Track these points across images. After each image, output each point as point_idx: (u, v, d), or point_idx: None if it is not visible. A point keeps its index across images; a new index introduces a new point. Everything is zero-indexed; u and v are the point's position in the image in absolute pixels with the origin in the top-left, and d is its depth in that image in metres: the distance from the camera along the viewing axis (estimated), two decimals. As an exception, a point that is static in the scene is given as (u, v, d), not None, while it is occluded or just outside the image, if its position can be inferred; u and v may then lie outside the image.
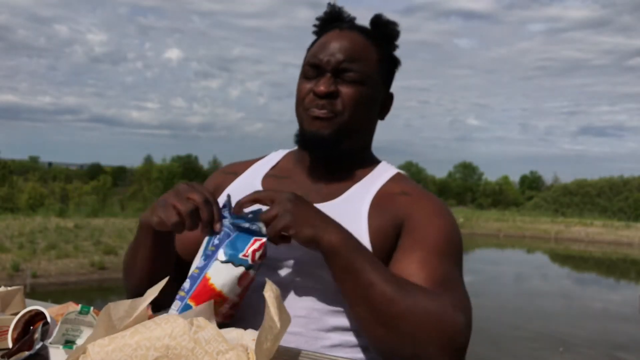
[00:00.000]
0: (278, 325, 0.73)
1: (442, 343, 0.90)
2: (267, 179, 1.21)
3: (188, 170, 51.38)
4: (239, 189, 1.19)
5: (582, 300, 16.19)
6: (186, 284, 0.97)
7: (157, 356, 0.68)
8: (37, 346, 0.81)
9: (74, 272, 16.59)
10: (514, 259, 27.96)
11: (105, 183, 39.55)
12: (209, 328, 0.71)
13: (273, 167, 1.25)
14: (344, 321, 1.04)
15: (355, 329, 1.05)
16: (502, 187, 67.52)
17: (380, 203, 1.10)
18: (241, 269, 0.94)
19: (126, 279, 1.20)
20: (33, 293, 13.48)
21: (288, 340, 0.99)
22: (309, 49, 1.18)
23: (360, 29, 1.16)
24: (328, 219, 0.97)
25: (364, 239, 1.04)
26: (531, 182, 73.76)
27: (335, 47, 1.11)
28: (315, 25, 1.21)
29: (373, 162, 1.22)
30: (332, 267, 0.96)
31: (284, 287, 1.04)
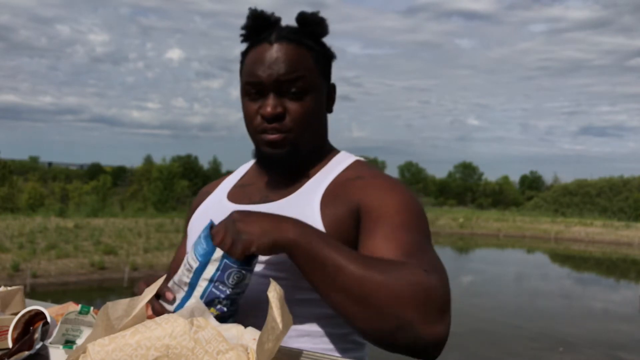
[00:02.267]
0: (280, 326, 0.73)
1: (419, 306, 0.87)
2: (233, 190, 1.26)
3: (188, 170, 51.43)
4: (208, 206, 1.26)
5: (582, 300, 16.21)
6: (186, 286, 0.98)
7: (157, 356, 0.68)
8: (37, 346, 0.81)
9: (74, 272, 16.60)
10: (514, 259, 27.98)
11: (105, 183, 39.58)
12: (209, 328, 0.71)
13: (241, 178, 1.30)
14: (309, 310, 1.06)
15: (319, 317, 1.06)
16: (502, 187, 67.60)
17: (333, 191, 1.10)
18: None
19: None
20: (33, 293, 13.49)
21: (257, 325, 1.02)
22: (242, 61, 1.19)
23: (289, 37, 1.14)
24: (279, 218, 0.96)
25: (319, 227, 1.05)
26: (531, 182, 73.80)
27: (271, 62, 1.11)
28: (241, 35, 1.19)
29: (330, 154, 1.22)
30: (297, 261, 0.95)
31: (256, 280, 1.06)
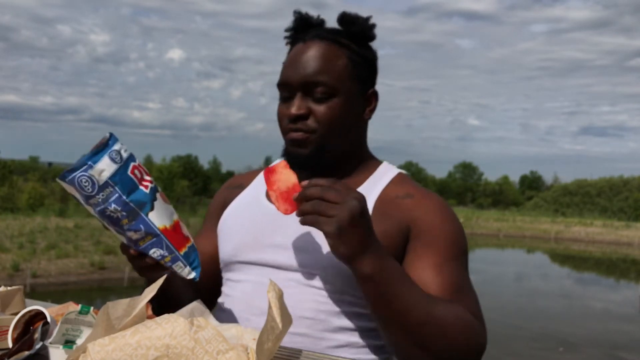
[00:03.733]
0: (280, 325, 0.73)
1: (469, 351, 0.96)
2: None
3: (188, 170, 51.41)
4: (244, 202, 1.22)
5: (582, 300, 16.20)
6: (160, 251, 0.92)
7: (157, 355, 0.68)
8: (37, 346, 0.81)
9: (74, 272, 16.59)
10: (514, 259, 27.96)
11: (106, 183, 39.49)
12: (209, 328, 0.71)
13: None
14: (349, 322, 1.05)
15: (360, 329, 1.06)
16: (502, 187, 67.57)
17: (383, 207, 1.08)
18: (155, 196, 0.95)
19: None
20: (33, 293, 13.48)
21: (294, 341, 1.00)
22: (283, 64, 1.16)
23: (325, 36, 1.12)
24: (369, 245, 0.94)
25: None
26: (531, 182, 73.79)
27: (300, 62, 1.09)
28: (285, 37, 1.18)
29: (373, 163, 1.20)
30: (365, 292, 0.96)
31: (291, 288, 1.04)
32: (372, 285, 0.93)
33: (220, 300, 1.18)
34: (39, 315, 0.92)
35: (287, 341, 0.97)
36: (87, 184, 0.84)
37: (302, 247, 1.07)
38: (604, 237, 36.73)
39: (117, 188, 0.86)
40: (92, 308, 0.91)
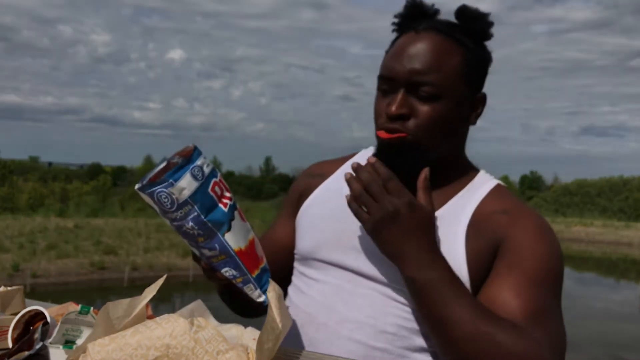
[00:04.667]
0: (280, 326, 0.73)
1: None
2: None
3: (188, 170, 51.24)
4: (326, 193, 1.13)
5: (582, 300, 16.19)
6: (233, 272, 0.89)
7: (157, 355, 0.68)
8: (37, 346, 0.81)
9: (74, 272, 16.60)
10: (514, 258, 27.90)
11: (105, 183, 39.55)
12: (210, 328, 0.71)
13: None
14: (431, 343, 0.98)
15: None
16: (502, 187, 67.40)
17: (478, 223, 1.00)
18: (235, 217, 0.89)
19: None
20: (33, 293, 13.48)
21: (373, 356, 0.96)
22: (386, 52, 1.05)
23: (442, 29, 1.01)
24: (410, 249, 0.91)
25: (461, 261, 0.97)
26: (531, 182, 73.72)
27: (409, 55, 0.98)
28: (393, 24, 1.06)
29: (470, 171, 1.10)
30: (411, 295, 0.94)
31: (374, 299, 0.99)
32: (415, 289, 0.91)
33: (292, 293, 1.10)
34: (39, 315, 0.92)
35: (365, 355, 0.95)
36: (166, 200, 0.82)
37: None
38: (604, 237, 36.73)
39: (196, 207, 0.84)
40: (92, 308, 0.91)
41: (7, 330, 0.90)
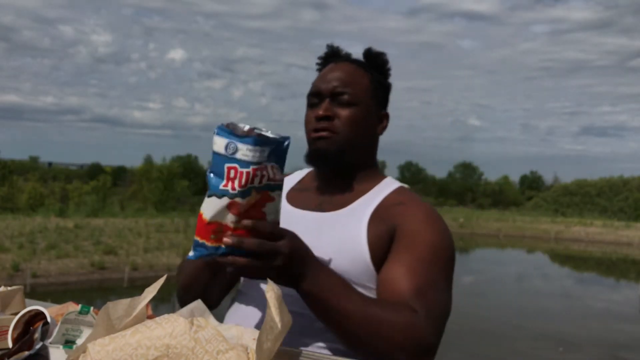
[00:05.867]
0: (279, 325, 0.73)
1: (409, 349, 1.02)
2: (291, 193, 1.39)
3: (188, 170, 51.42)
4: None
5: (582, 300, 16.20)
6: None
7: (157, 355, 0.68)
8: (37, 346, 0.81)
9: (74, 272, 16.59)
10: (514, 259, 27.95)
11: (105, 183, 39.53)
12: (209, 328, 0.71)
13: (299, 182, 1.43)
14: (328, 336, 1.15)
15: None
16: (502, 187, 67.55)
17: (379, 213, 1.22)
18: (225, 200, 0.95)
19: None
20: (33, 293, 13.48)
21: (294, 320, 1.09)
22: (312, 85, 1.36)
23: (352, 60, 1.35)
24: (301, 272, 1.03)
25: (364, 245, 1.18)
26: (531, 182, 73.76)
27: (332, 76, 1.30)
28: (317, 63, 1.40)
29: (378, 177, 1.34)
30: (310, 307, 1.07)
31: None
32: (312, 301, 1.05)
33: (238, 296, 1.32)
34: (39, 315, 0.92)
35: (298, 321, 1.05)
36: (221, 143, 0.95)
37: (311, 244, 1.15)
38: (604, 237, 36.71)
39: (214, 159, 0.96)
40: (92, 308, 0.91)
41: (7, 330, 0.90)
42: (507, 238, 36.65)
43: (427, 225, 1.19)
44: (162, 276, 0.89)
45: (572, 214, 50.57)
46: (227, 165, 0.94)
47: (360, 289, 1.13)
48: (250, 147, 0.93)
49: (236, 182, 0.94)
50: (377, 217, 1.21)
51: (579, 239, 36.12)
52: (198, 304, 0.92)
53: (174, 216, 29.20)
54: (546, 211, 52.95)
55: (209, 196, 0.95)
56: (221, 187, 0.94)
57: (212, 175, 0.96)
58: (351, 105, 1.28)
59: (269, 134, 0.95)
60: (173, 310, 0.93)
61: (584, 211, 51.52)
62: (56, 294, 13.98)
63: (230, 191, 0.94)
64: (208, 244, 0.96)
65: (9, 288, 1.06)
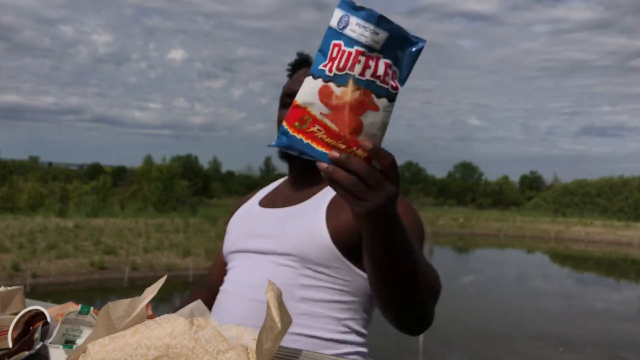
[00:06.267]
0: (279, 325, 0.73)
1: (434, 301, 1.07)
2: (265, 197, 1.50)
3: (188, 170, 51.45)
4: (243, 211, 1.52)
5: (582, 300, 16.20)
6: None
7: (157, 355, 0.68)
8: (37, 346, 0.81)
9: (74, 272, 16.60)
10: (514, 259, 27.96)
11: (105, 183, 39.57)
12: (209, 327, 0.71)
13: (274, 189, 1.53)
14: (310, 294, 1.26)
15: (322, 301, 1.26)
16: (502, 187, 67.56)
17: (338, 201, 1.27)
18: (320, 82, 0.78)
19: None
20: (33, 293, 13.48)
21: (258, 309, 1.20)
22: (284, 87, 1.46)
23: None
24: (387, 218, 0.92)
25: (324, 233, 1.25)
26: (531, 182, 73.82)
27: (300, 80, 1.31)
28: (287, 69, 1.49)
29: None
30: (382, 254, 0.95)
31: (268, 268, 1.29)
32: (394, 244, 0.93)
33: (224, 282, 1.41)
34: (39, 315, 0.92)
35: (260, 309, 1.08)
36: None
37: (276, 234, 1.31)
38: (604, 237, 36.75)
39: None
40: (92, 308, 0.91)
41: (7, 330, 0.90)
42: (507, 238, 36.67)
43: (399, 205, 1.12)
44: (162, 276, 0.89)
45: (572, 214, 50.61)
46: (333, 41, 0.77)
47: (325, 270, 1.25)
48: (360, 21, 0.75)
49: (335, 63, 0.77)
50: (336, 204, 1.28)
51: (579, 239, 36.15)
52: (198, 304, 0.92)
53: (174, 216, 29.23)
54: (546, 211, 52.99)
55: (309, 75, 0.79)
56: (320, 66, 0.78)
57: (319, 53, 0.79)
58: None
59: (398, 25, 0.76)
60: (173, 311, 0.93)
61: (584, 211, 51.56)
62: (56, 294, 13.99)
63: (327, 73, 0.77)
64: (290, 132, 0.79)
65: (9, 288, 1.06)
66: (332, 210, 1.29)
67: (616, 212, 49.92)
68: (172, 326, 0.69)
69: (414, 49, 0.78)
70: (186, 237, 22.70)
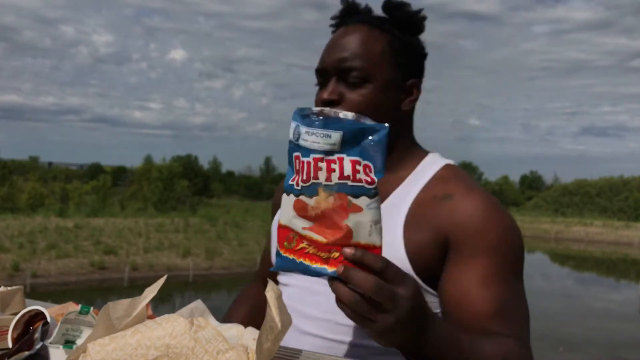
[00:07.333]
0: (279, 325, 0.73)
1: None
2: None
3: (188, 170, 51.50)
4: None
5: (582, 300, 16.20)
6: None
7: (157, 355, 0.68)
8: (37, 346, 0.81)
9: (74, 272, 16.60)
10: (514, 258, 27.92)
11: (105, 183, 39.57)
12: (209, 327, 0.71)
13: None
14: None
15: None
16: (502, 187, 67.62)
17: (418, 212, 0.99)
18: (292, 198, 0.75)
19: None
20: (33, 293, 13.49)
21: (333, 347, 1.00)
22: None
23: (367, 20, 1.05)
24: (421, 328, 0.78)
25: (401, 254, 0.96)
26: (531, 182, 73.87)
27: (337, 46, 1.03)
28: (331, 25, 1.11)
29: (417, 155, 1.09)
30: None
31: (329, 296, 0.89)
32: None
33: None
34: (39, 315, 0.92)
35: (327, 347, 0.99)
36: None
37: None
38: (604, 237, 36.76)
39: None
40: (92, 308, 0.91)
41: (7, 330, 0.90)
42: (507, 238, 36.64)
43: (490, 222, 0.95)
44: (162, 276, 0.89)
45: (572, 214, 50.62)
46: (294, 154, 0.75)
47: None
48: (308, 129, 0.72)
49: (300, 176, 0.75)
50: (416, 217, 0.98)
51: (579, 239, 36.15)
52: (198, 303, 0.92)
53: (174, 216, 29.23)
54: (546, 211, 53.00)
55: (284, 192, 0.77)
56: (290, 181, 0.76)
57: (289, 167, 0.77)
58: (362, 82, 1.01)
59: (348, 116, 0.72)
60: (173, 310, 0.93)
61: (584, 211, 51.57)
62: (56, 294, 13.99)
63: (295, 187, 0.75)
64: (282, 253, 0.76)
65: (9, 288, 1.06)
66: (411, 226, 0.98)
67: (616, 212, 49.93)
68: (172, 326, 0.69)
69: (376, 138, 0.72)
70: (186, 237, 22.72)
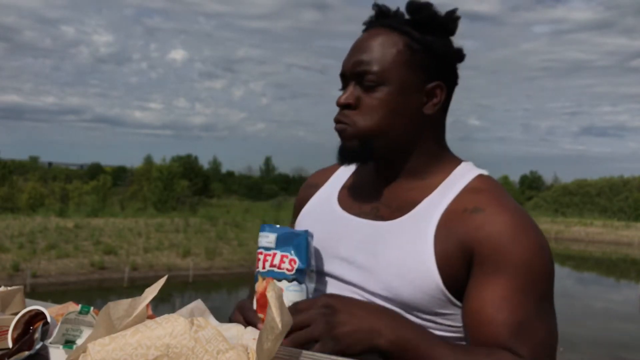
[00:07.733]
0: (279, 325, 0.73)
1: None
2: (343, 191, 1.14)
3: (188, 170, 51.51)
4: (316, 205, 1.16)
5: (582, 300, 16.21)
6: None
7: (157, 355, 0.68)
8: (37, 346, 0.81)
9: (74, 272, 16.61)
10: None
11: (105, 183, 39.58)
12: (210, 327, 0.71)
13: (352, 175, 1.17)
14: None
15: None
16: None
17: (448, 222, 0.97)
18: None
19: None
20: (33, 293, 13.49)
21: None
22: None
23: (387, 23, 1.04)
24: (375, 318, 0.89)
25: (430, 264, 0.95)
26: (531, 182, 73.83)
27: (355, 49, 1.03)
28: (363, 31, 1.09)
29: (450, 163, 1.06)
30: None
31: (346, 292, 1.01)
32: (395, 357, 0.87)
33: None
34: (39, 315, 0.92)
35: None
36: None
37: (363, 263, 1.00)
38: (604, 237, 36.78)
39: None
40: (92, 308, 0.91)
41: (7, 330, 0.90)
42: (507, 238, 36.64)
43: (516, 240, 0.92)
44: (162, 276, 0.89)
45: (572, 214, 50.62)
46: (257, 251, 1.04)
47: (431, 318, 0.95)
48: (260, 232, 1.02)
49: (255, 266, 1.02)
50: (447, 226, 0.97)
51: (579, 239, 36.16)
52: (198, 303, 0.92)
53: (174, 216, 29.23)
54: (546, 211, 53.00)
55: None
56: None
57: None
58: (377, 86, 1.00)
59: (284, 227, 1.02)
60: (173, 310, 0.93)
61: (584, 211, 51.58)
62: (56, 294, 13.99)
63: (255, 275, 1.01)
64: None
65: (9, 288, 1.06)
66: (441, 236, 0.96)
67: (616, 212, 49.93)
68: (172, 326, 0.69)
69: (299, 240, 0.98)
70: (186, 237, 22.73)
